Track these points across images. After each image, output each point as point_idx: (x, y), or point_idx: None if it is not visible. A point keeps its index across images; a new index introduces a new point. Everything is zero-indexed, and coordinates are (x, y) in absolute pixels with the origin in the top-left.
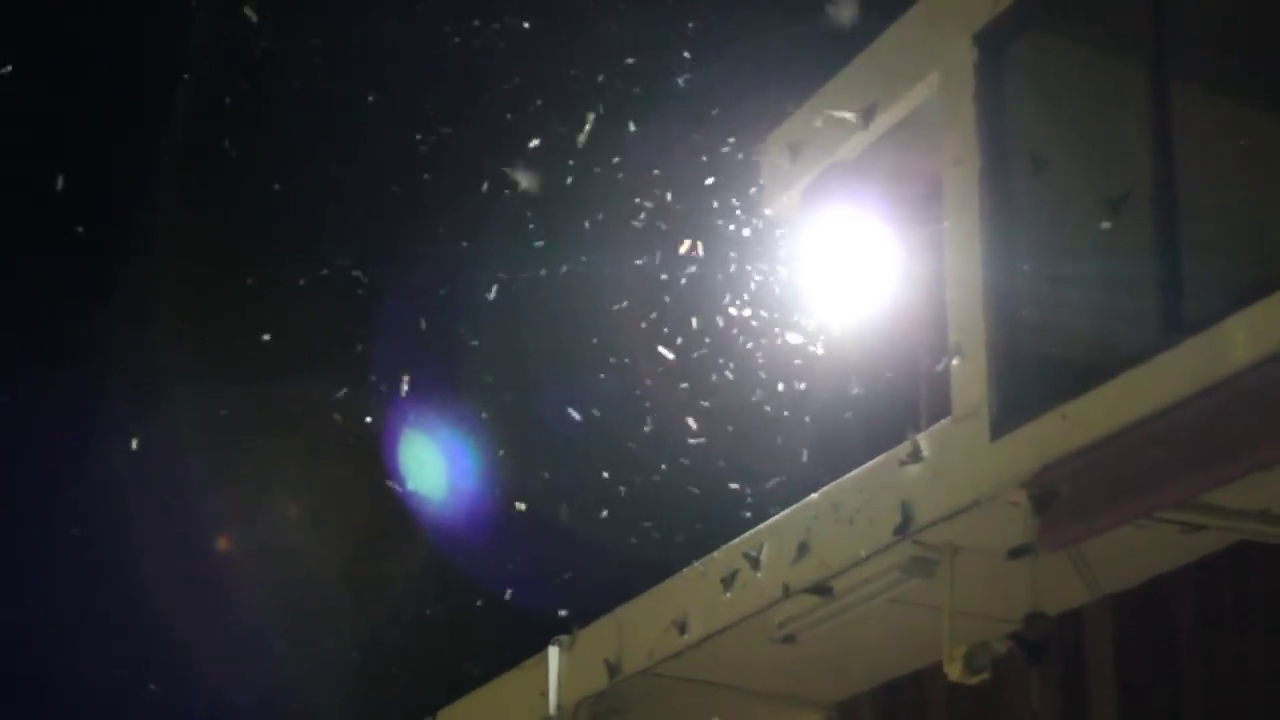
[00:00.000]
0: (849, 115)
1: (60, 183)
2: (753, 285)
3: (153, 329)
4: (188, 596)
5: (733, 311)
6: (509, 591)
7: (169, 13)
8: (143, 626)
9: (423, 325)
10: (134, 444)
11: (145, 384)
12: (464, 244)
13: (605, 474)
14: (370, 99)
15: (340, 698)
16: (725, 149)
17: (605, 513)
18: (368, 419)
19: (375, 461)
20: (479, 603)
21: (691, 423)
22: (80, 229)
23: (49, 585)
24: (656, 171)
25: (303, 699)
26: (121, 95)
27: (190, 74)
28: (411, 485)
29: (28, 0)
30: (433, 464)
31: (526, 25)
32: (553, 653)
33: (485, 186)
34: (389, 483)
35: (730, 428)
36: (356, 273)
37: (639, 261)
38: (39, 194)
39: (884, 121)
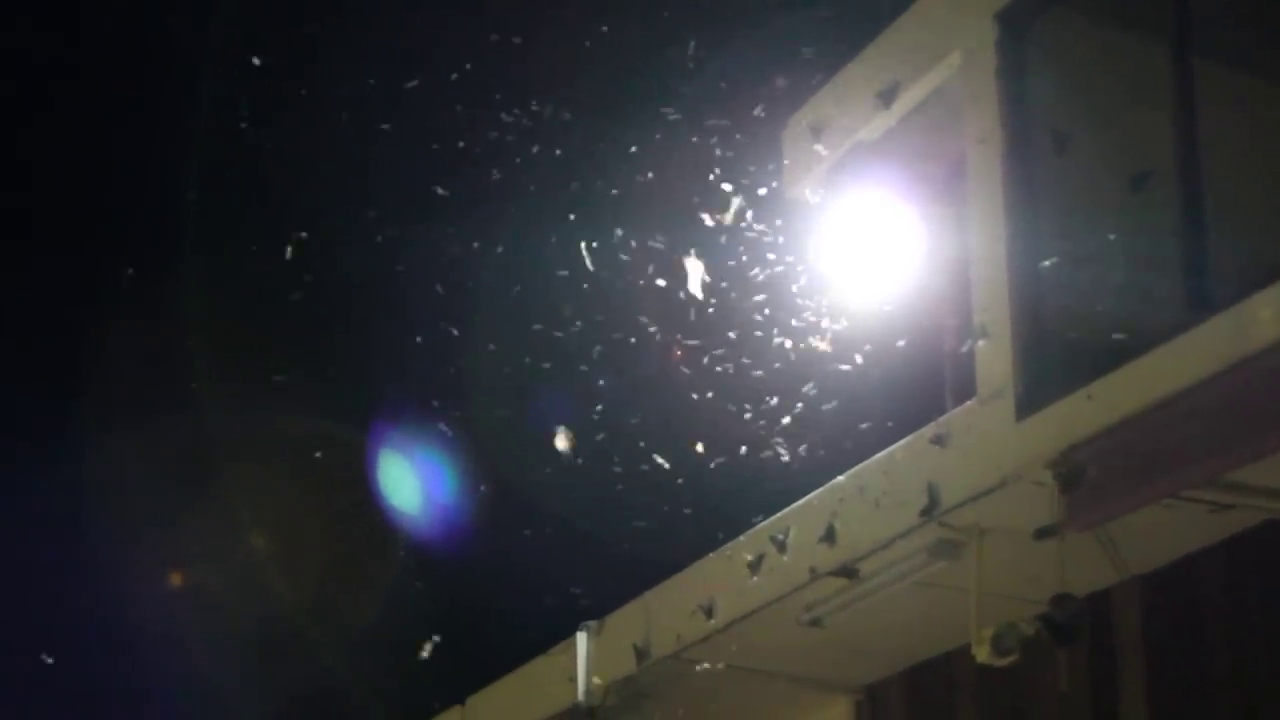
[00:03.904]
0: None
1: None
2: (775, 268)
3: (136, 347)
4: (210, 598)
5: (755, 295)
6: (535, 579)
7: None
8: (155, 629)
9: (428, 317)
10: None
11: (124, 403)
12: (472, 240)
13: (629, 458)
14: (368, 103)
15: (370, 685)
16: (746, 130)
17: (630, 497)
18: (381, 420)
19: (390, 460)
20: (507, 589)
21: (714, 407)
22: (69, 244)
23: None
24: (676, 154)
25: (332, 687)
26: (123, 101)
27: (191, 78)
28: (438, 481)
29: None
30: (452, 459)
31: (542, 9)
32: (581, 638)
33: (495, 177)
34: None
35: (753, 411)
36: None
37: (659, 245)
38: (30, 208)
39: (906, 101)
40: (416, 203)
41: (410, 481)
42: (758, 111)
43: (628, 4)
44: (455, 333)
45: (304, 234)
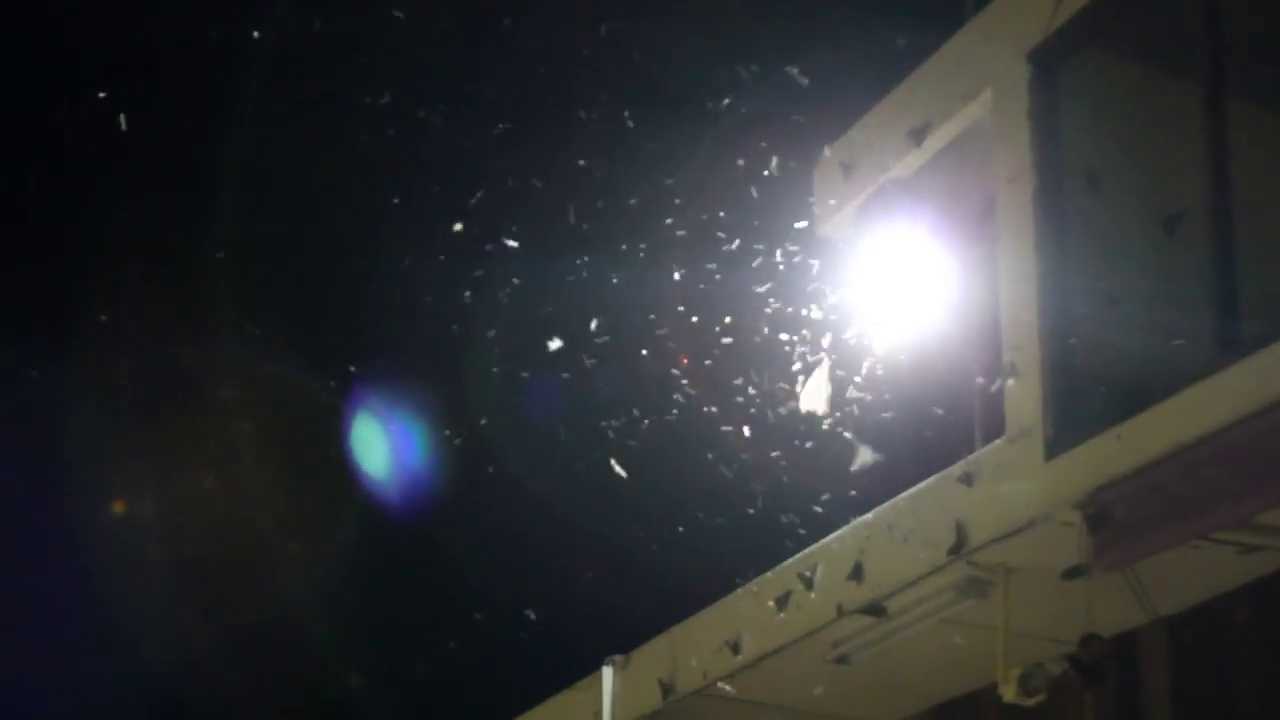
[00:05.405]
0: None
1: None
2: (805, 305)
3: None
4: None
5: (786, 330)
6: (564, 611)
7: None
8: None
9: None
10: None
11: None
12: (509, 275)
13: (661, 497)
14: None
15: (400, 715)
16: (778, 168)
17: (661, 533)
18: (364, 385)
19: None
20: (534, 622)
21: (745, 442)
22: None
23: None
24: (709, 189)
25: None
26: (112, 91)
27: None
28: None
29: None
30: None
31: (583, 45)
32: (607, 673)
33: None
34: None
35: (784, 447)
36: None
37: (700, 285)
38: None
39: (937, 140)
40: (436, 200)
41: (381, 449)
42: (789, 148)
43: (666, 36)
44: (492, 334)
45: (326, 211)
